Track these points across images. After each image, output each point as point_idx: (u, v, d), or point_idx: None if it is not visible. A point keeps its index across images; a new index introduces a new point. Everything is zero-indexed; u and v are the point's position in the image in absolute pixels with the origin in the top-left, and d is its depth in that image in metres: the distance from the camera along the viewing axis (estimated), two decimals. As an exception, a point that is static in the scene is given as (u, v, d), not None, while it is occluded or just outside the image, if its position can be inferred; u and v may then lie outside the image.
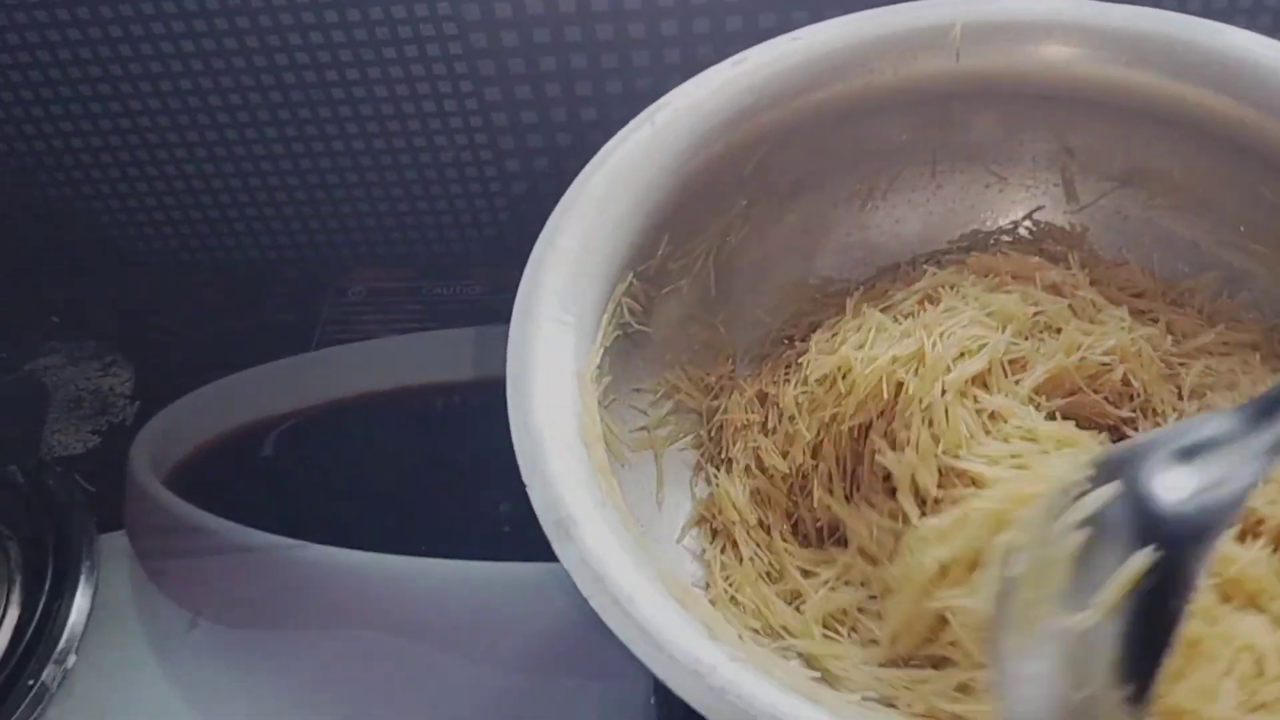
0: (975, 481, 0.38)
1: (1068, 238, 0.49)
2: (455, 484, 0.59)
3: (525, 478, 0.35)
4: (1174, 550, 0.27)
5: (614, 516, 0.35)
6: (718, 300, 0.50)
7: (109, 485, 0.59)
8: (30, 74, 0.63)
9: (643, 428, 0.47)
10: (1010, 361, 0.42)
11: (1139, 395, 0.42)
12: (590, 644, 0.52)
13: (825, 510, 0.43)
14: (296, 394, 0.63)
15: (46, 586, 0.54)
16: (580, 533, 0.34)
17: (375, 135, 0.65)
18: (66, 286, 0.71)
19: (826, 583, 0.42)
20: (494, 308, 0.67)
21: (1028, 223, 0.51)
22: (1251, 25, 0.45)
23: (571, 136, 0.64)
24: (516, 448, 0.36)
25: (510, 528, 0.56)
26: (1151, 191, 0.49)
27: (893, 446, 0.41)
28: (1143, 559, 0.27)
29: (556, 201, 0.43)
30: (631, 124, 0.45)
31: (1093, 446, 0.39)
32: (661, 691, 0.50)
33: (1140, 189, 0.49)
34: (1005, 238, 0.50)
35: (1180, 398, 0.43)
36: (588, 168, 0.44)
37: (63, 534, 0.56)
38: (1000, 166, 0.51)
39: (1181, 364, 0.44)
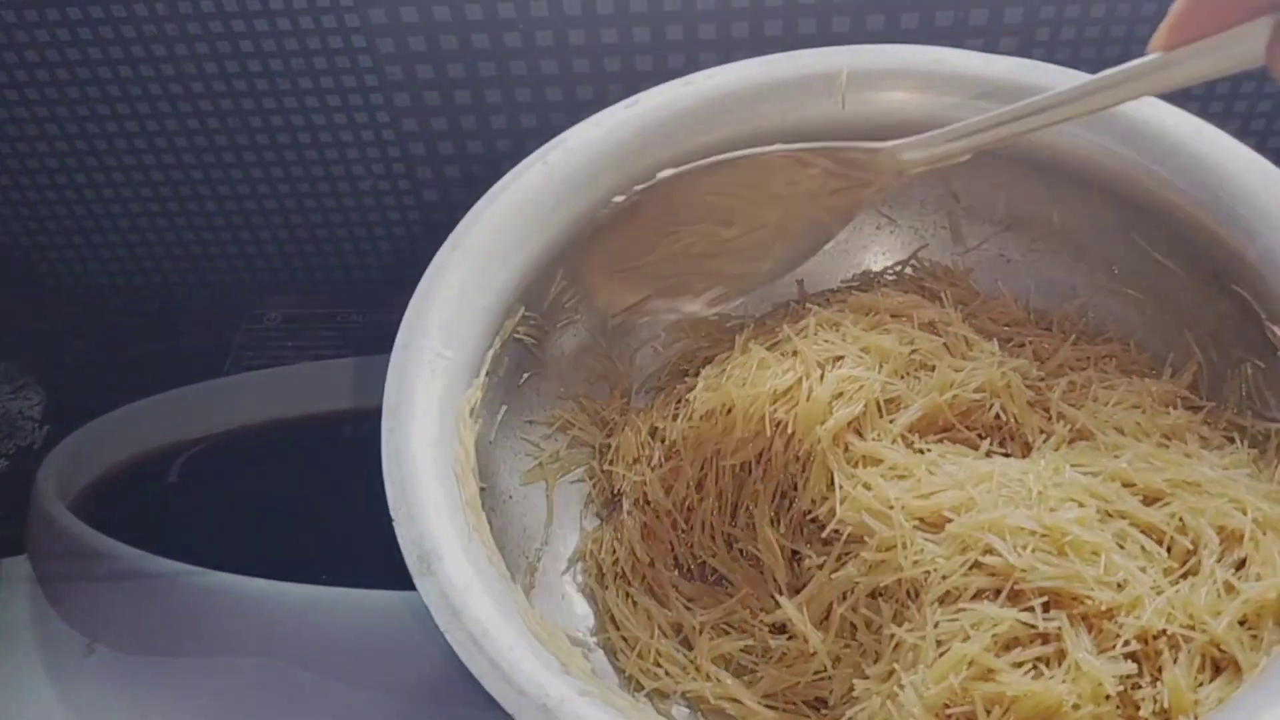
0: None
1: (947, 275, 0.51)
2: (360, 512, 0.58)
3: (392, 510, 0.36)
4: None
5: (480, 552, 0.36)
6: (614, 334, 0.51)
7: (13, 508, 0.59)
8: (-56, 96, 0.63)
9: (536, 461, 0.47)
10: (887, 401, 0.43)
11: (1008, 425, 0.44)
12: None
13: (709, 554, 0.45)
14: (206, 420, 0.64)
15: (-59, 610, 0.53)
16: (442, 567, 0.34)
17: (293, 163, 0.66)
18: (-21, 308, 0.71)
19: (712, 625, 0.43)
20: (408, 336, 0.68)
21: (913, 262, 0.52)
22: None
23: (485, 167, 0.65)
24: (386, 479, 0.37)
25: (413, 556, 0.57)
26: (1032, 236, 0.50)
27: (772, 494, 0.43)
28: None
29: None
30: (524, 162, 0.46)
31: None
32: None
33: (1022, 233, 0.51)
34: (890, 276, 0.52)
35: (1050, 419, 0.44)
36: (479, 204, 0.45)
37: (-39, 557, 0.56)
38: (890, 209, 0.52)
39: (1046, 384, 0.45)
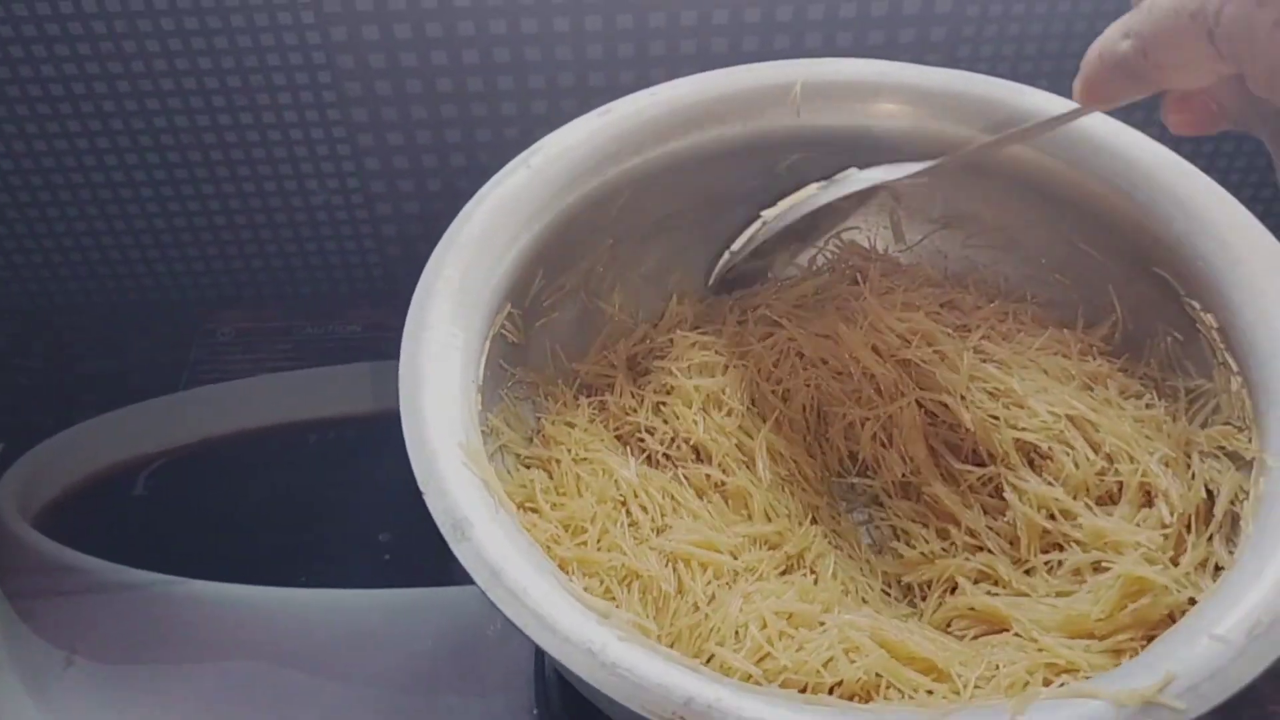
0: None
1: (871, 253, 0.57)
2: (333, 517, 0.61)
3: (421, 486, 0.38)
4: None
5: (508, 519, 0.38)
6: (590, 331, 0.53)
7: (-27, 528, 0.59)
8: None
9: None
10: None
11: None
12: (471, 661, 0.54)
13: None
14: (167, 433, 0.64)
15: (-89, 630, 0.53)
16: (475, 533, 0.36)
17: (246, 178, 0.67)
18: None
19: None
20: (366, 346, 0.70)
21: (836, 242, 0.57)
22: (1054, 88, 0.53)
23: (441, 182, 0.67)
24: (412, 459, 0.38)
25: (390, 556, 0.58)
26: (967, 232, 0.55)
27: None
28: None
29: (427, 244, 0.46)
30: (509, 166, 0.49)
31: None
32: (542, 703, 0.53)
33: (958, 230, 0.55)
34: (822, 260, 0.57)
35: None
36: (469, 205, 0.47)
37: (-72, 577, 0.55)
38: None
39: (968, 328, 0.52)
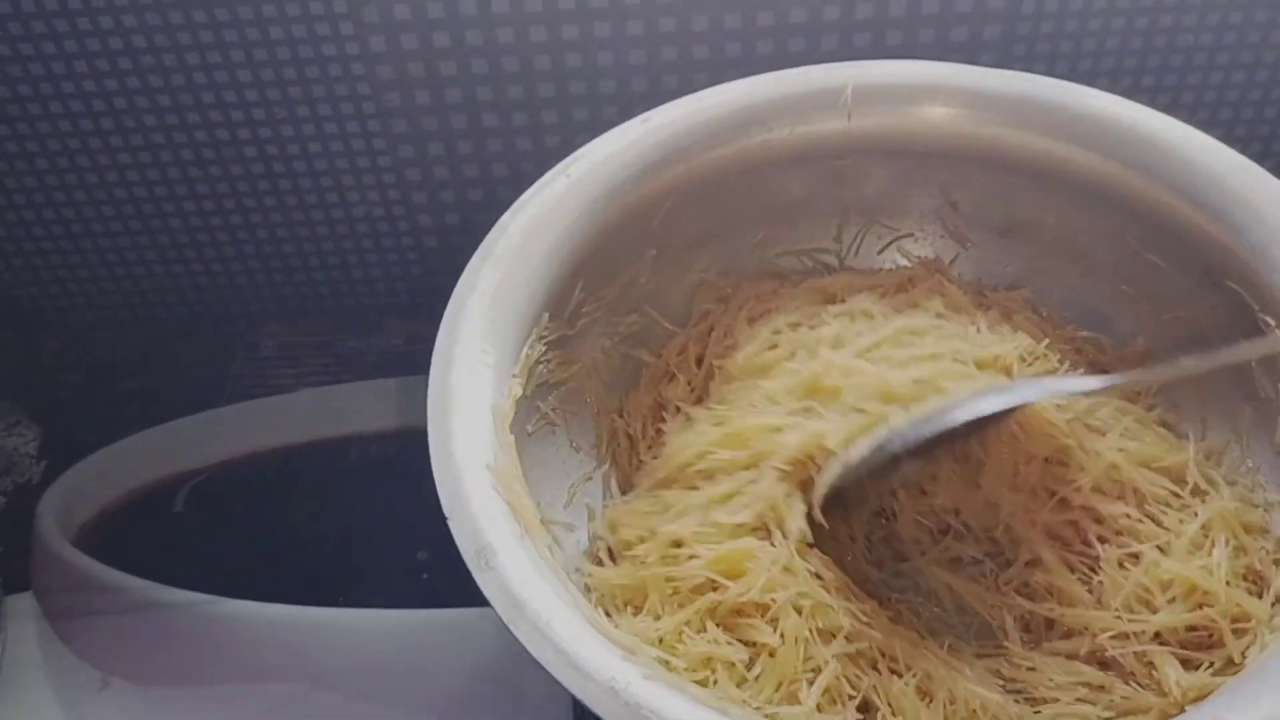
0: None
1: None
2: (372, 534, 0.59)
3: (446, 510, 0.36)
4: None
5: (533, 547, 0.36)
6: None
7: (14, 545, 0.58)
8: (-68, 131, 0.62)
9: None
10: None
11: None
12: (508, 686, 0.53)
13: None
14: (208, 449, 0.63)
15: (-50, 649, 0.52)
16: (500, 562, 0.35)
17: (287, 191, 0.66)
18: (-33, 346, 0.70)
19: None
20: (407, 359, 0.69)
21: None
22: (1113, 88, 0.50)
23: (482, 192, 0.66)
24: (438, 481, 0.37)
25: (428, 575, 0.57)
26: (1029, 241, 0.52)
27: None
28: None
29: (468, 255, 0.45)
30: (547, 176, 0.47)
31: None
32: (580, 731, 0.51)
33: (1019, 239, 0.53)
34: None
35: None
36: (506, 215, 0.46)
37: (-34, 595, 0.55)
38: (891, 219, 0.54)
39: None
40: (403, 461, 0.62)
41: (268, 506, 0.61)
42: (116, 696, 0.53)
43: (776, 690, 0.38)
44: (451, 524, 0.36)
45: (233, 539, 0.59)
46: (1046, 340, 0.49)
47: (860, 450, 0.43)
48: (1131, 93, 0.50)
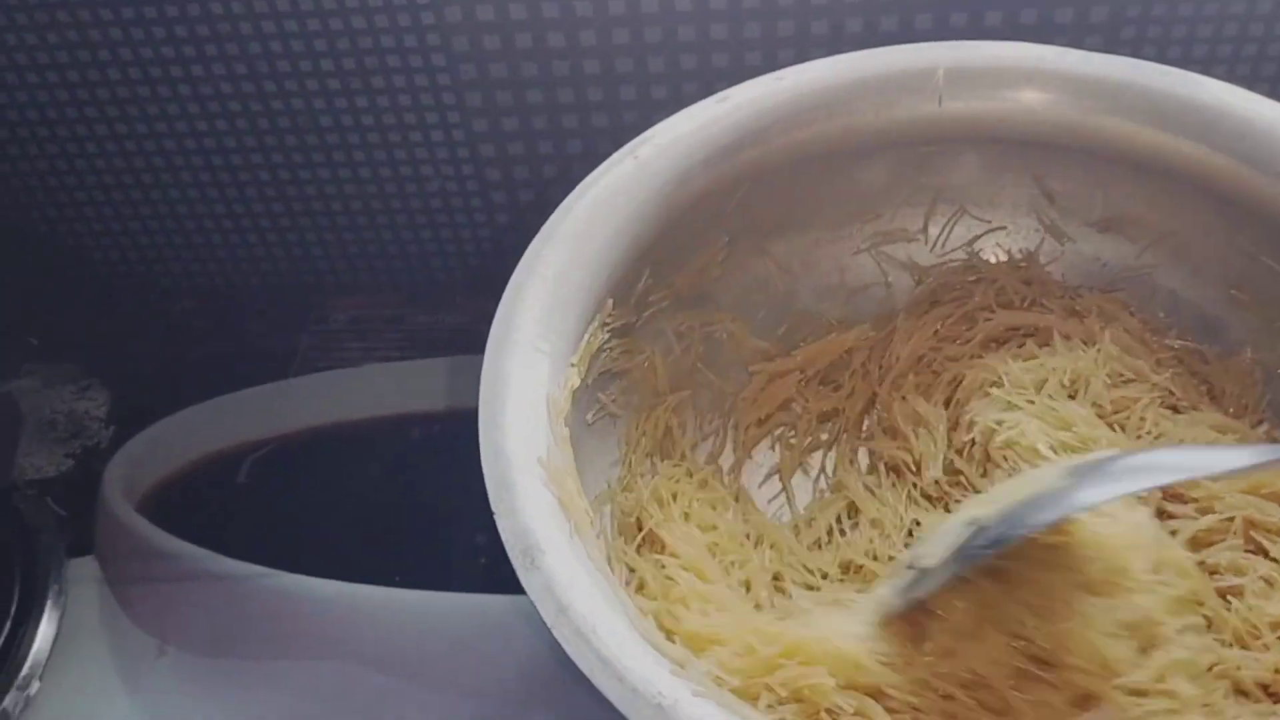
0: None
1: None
2: (431, 515, 0.58)
3: (493, 505, 0.35)
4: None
5: (581, 548, 0.35)
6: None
7: (80, 509, 0.59)
8: (16, 95, 0.63)
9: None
10: None
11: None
12: (561, 680, 0.51)
13: None
14: (274, 421, 0.63)
15: (12, 610, 0.53)
16: (546, 562, 0.33)
17: (361, 164, 0.66)
18: (45, 308, 0.70)
19: None
20: (476, 337, 0.67)
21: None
22: (1232, 75, 0.46)
23: (557, 168, 0.65)
24: (486, 474, 0.36)
25: (486, 560, 0.56)
26: (1130, 237, 0.49)
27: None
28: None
29: (540, 233, 0.43)
30: (614, 156, 0.45)
31: None
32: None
33: (1118, 235, 0.49)
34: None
35: None
36: (569, 198, 0.44)
37: (31, 557, 0.55)
38: (981, 210, 0.51)
39: None
40: (465, 443, 0.61)
41: (329, 481, 0.60)
42: (172, 665, 0.52)
43: None
44: (498, 520, 0.35)
45: (293, 512, 0.59)
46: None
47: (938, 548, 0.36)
48: (1250, 82, 0.46)
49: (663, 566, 0.40)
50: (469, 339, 0.67)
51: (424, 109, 0.62)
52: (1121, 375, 0.45)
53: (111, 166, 0.67)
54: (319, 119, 0.63)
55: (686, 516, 0.43)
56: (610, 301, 0.44)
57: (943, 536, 0.36)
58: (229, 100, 0.63)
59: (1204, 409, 0.46)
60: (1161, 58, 0.47)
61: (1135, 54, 0.47)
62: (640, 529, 0.42)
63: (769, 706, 0.35)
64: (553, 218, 0.43)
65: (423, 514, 0.58)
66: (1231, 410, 0.46)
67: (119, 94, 0.63)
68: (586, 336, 0.42)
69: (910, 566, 0.37)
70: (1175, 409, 0.46)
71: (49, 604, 0.54)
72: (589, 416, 0.44)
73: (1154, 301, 0.49)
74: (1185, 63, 0.47)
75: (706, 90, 0.48)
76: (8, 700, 0.50)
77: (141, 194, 0.68)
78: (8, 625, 0.52)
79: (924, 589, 0.36)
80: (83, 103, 0.63)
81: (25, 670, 0.51)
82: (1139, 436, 0.44)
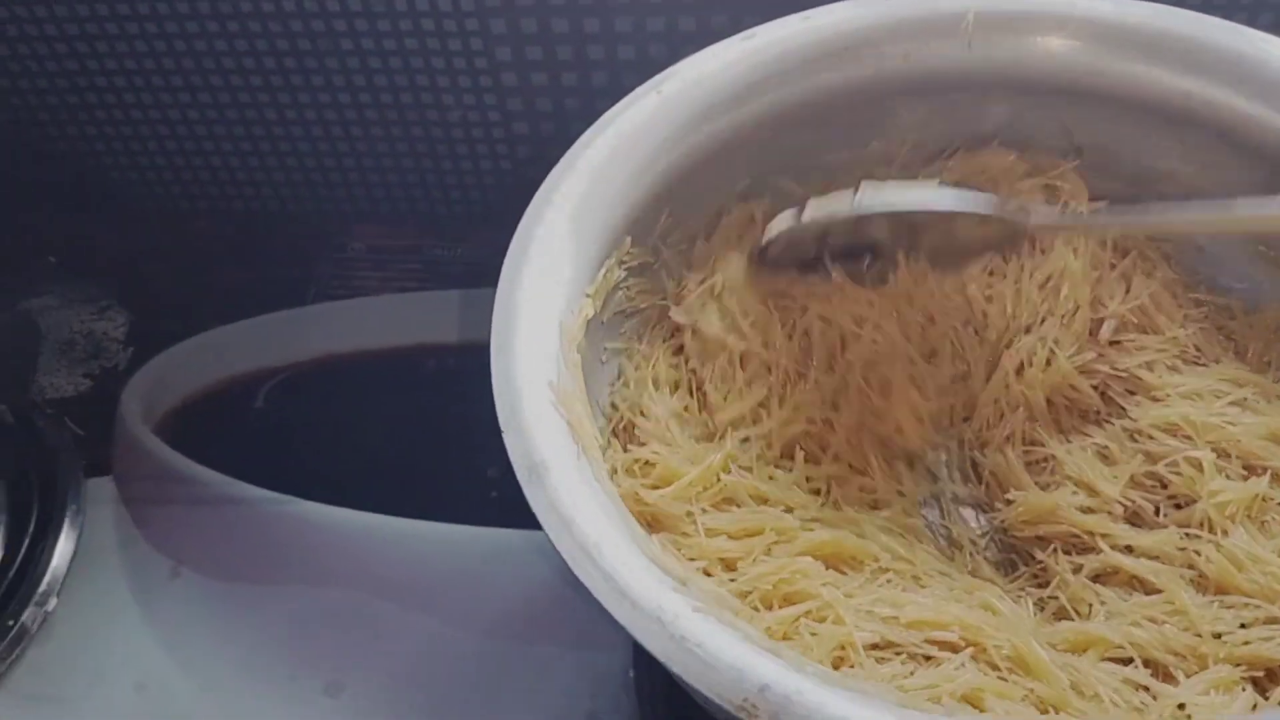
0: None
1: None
2: (445, 447, 0.59)
3: (502, 424, 0.35)
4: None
5: (589, 469, 0.35)
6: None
7: (98, 429, 0.59)
8: (36, 9, 0.62)
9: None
10: None
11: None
12: (571, 613, 0.52)
13: None
14: (291, 348, 0.63)
15: (31, 528, 0.54)
16: (552, 480, 0.34)
17: (383, 89, 0.65)
18: (66, 228, 0.70)
19: None
20: (493, 271, 0.66)
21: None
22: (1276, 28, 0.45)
23: (581, 101, 0.64)
24: (496, 394, 0.36)
25: (498, 493, 0.56)
26: (1160, 194, 0.48)
27: None
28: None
29: (563, 166, 0.43)
30: (638, 90, 0.45)
31: None
32: (641, 665, 0.50)
33: (1149, 189, 0.48)
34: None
35: None
36: (590, 130, 0.44)
37: (49, 476, 0.56)
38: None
39: None
40: (480, 375, 0.61)
41: (345, 410, 0.61)
42: (184, 587, 0.53)
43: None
44: (506, 437, 0.35)
45: (308, 439, 0.59)
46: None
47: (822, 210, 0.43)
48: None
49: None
50: (486, 272, 0.66)
51: (447, 35, 0.61)
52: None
53: (132, 85, 0.66)
54: (340, 42, 0.63)
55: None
56: (629, 239, 0.44)
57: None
58: (249, 20, 0.62)
59: (1225, 362, 0.46)
60: (1204, 7, 0.46)
61: (1176, 4, 0.46)
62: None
63: (768, 629, 0.36)
64: (572, 150, 0.43)
65: (436, 446, 0.59)
66: (1253, 366, 0.46)
67: (140, 10, 0.62)
68: (604, 271, 0.42)
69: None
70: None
71: (67, 523, 0.54)
72: (602, 356, 0.44)
73: (1182, 257, 0.48)
74: (1228, 11, 0.46)
75: (736, 25, 0.47)
76: (25, 615, 0.51)
77: (161, 115, 0.68)
78: (26, 542, 0.53)
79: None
80: (103, 18, 0.63)
81: (43, 587, 0.52)
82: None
